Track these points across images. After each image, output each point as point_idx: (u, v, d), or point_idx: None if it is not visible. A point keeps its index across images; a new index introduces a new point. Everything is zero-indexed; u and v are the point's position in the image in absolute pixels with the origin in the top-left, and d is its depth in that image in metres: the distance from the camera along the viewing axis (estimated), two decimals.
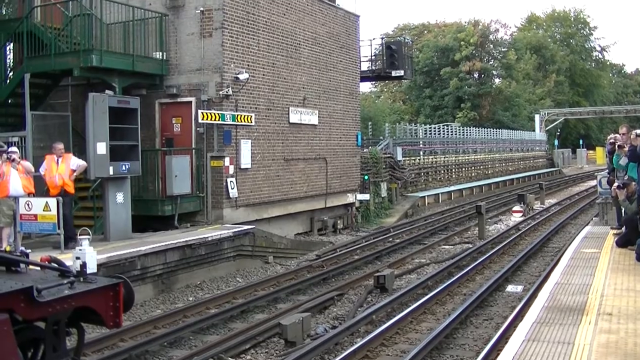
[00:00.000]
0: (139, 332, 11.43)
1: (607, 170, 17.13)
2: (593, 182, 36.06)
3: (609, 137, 16.09)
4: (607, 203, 17.35)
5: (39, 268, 6.28)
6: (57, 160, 14.64)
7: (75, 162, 14.84)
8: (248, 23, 19.49)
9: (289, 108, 21.48)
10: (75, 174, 14.84)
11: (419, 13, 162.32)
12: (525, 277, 16.15)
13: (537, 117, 69.09)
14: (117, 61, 17.69)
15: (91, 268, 9.60)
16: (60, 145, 14.91)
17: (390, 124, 41.98)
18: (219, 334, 11.67)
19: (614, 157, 14.68)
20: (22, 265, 6.09)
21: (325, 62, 23.83)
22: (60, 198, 14.00)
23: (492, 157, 49.62)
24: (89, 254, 10.95)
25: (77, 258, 10.26)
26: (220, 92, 18.48)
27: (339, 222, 24.60)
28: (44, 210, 13.51)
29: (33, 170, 14.15)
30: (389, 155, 31.30)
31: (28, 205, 13.55)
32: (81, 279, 6.15)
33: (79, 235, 11.28)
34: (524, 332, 7.65)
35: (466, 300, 13.03)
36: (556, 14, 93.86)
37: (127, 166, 16.04)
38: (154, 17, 18.88)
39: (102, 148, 15.37)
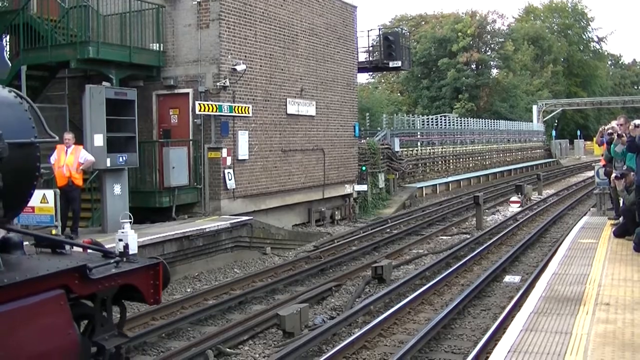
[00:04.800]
0: (137, 323, 11.42)
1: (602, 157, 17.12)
2: (590, 173, 36.14)
3: (605, 128, 16.04)
4: (604, 193, 17.37)
5: (81, 250, 6.72)
6: (67, 150, 14.56)
7: (83, 156, 14.66)
8: (245, 14, 19.44)
9: (286, 99, 21.45)
10: (81, 167, 14.71)
11: (416, 4, 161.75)
12: (523, 268, 16.18)
13: (534, 108, 69.06)
14: (114, 53, 17.64)
15: (133, 249, 10.39)
16: (69, 135, 14.79)
17: (387, 115, 41.85)
18: (217, 325, 11.69)
19: (612, 147, 14.65)
20: (67, 248, 6.47)
21: (323, 53, 23.78)
22: (68, 191, 14.06)
23: (489, 148, 49.62)
24: (131, 236, 11.93)
25: (120, 240, 10.83)
26: (218, 84, 18.44)
27: (336, 213, 24.62)
28: (41, 203, 13.50)
29: None
30: (386, 146, 31.27)
31: None
32: (124, 259, 6.58)
33: (121, 219, 12.15)
34: (522, 322, 7.67)
35: (464, 291, 13.05)
36: (554, 5, 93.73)
37: (124, 158, 16.02)
38: (151, 9, 18.82)
39: (99, 140, 15.35)
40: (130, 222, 12.22)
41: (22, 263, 6.01)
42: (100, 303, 6.38)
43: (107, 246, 7.04)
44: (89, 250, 6.78)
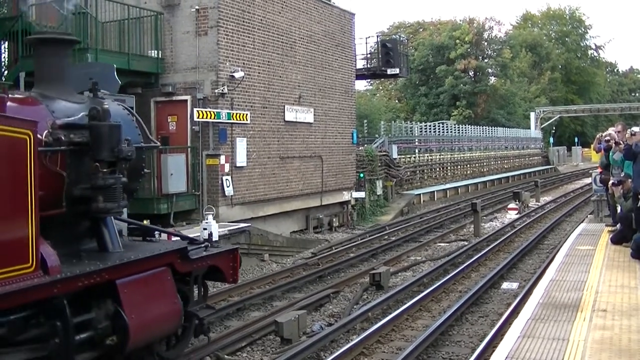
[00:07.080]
0: None
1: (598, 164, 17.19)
2: (588, 180, 36.14)
3: (602, 135, 16.08)
4: (602, 200, 17.40)
5: (166, 237, 8.49)
6: None
7: None
8: (243, 21, 19.50)
9: (284, 106, 21.48)
10: None
11: (414, 11, 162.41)
12: (521, 274, 16.19)
13: (532, 115, 69.15)
14: (113, 60, 17.60)
15: (215, 237, 12.07)
16: None
17: (385, 122, 41.92)
18: (215, 332, 11.65)
19: (610, 154, 14.70)
20: (157, 236, 8.06)
21: (321, 60, 23.84)
22: None
23: (487, 155, 49.68)
24: (214, 226, 14.09)
25: (205, 229, 13.23)
26: (216, 91, 18.48)
27: (334, 220, 24.63)
28: None
29: None
30: (384, 153, 31.32)
31: None
32: (209, 245, 7.94)
33: (205, 210, 14.56)
34: (519, 329, 7.69)
35: (462, 298, 13.05)
36: (551, 12, 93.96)
37: None
38: (149, 16, 18.88)
39: None
40: (213, 214, 14.52)
41: (135, 245, 7.51)
42: (193, 280, 7.76)
43: None
44: (173, 238, 8.23)
